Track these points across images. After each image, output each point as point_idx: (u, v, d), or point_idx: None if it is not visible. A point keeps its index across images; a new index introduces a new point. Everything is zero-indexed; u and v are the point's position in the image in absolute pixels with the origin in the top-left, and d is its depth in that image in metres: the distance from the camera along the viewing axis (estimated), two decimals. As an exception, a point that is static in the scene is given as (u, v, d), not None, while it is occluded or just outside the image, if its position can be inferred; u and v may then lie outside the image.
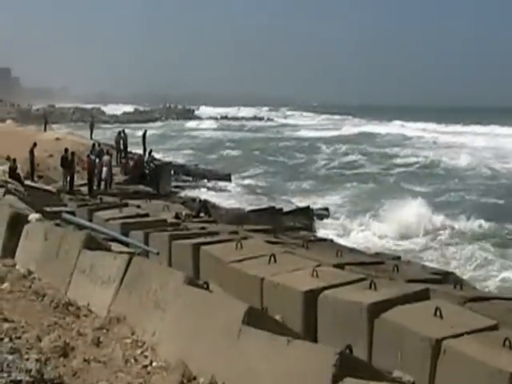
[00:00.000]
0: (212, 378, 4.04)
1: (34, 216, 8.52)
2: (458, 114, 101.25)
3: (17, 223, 8.06)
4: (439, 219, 22.84)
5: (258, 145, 54.91)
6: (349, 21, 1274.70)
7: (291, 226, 19.78)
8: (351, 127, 77.00)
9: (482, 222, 22.77)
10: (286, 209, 23.58)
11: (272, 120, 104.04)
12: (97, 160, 23.59)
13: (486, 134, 63.31)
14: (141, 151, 31.82)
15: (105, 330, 5.06)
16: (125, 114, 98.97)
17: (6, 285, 6.25)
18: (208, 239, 10.99)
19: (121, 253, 6.88)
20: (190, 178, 31.98)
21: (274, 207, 23.35)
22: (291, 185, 34.20)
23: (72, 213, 14.05)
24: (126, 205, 17.07)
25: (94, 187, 22.71)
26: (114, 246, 8.95)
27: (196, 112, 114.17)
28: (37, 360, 3.95)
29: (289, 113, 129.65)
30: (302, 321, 7.45)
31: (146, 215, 14.96)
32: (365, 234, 21.89)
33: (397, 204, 23.77)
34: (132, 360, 4.45)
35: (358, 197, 29.75)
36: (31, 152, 23.15)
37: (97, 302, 5.78)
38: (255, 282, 8.23)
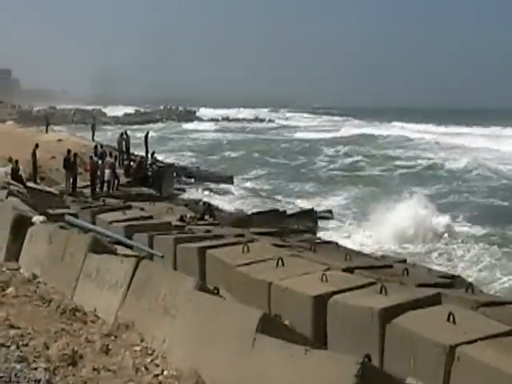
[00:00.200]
0: (227, 389, 3.92)
1: (38, 218, 8.38)
2: (458, 116, 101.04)
3: (21, 226, 7.92)
4: (443, 221, 22.68)
5: (259, 146, 54.79)
6: (349, 21, 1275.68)
7: (295, 229, 19.66)
8: (352, 128, 76.65)
9: (487, 223, 22.66)
10: (290, 211, 23.50)
11: (273, 121, 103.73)
12: (99, 162, 23.52)
13: (487, 135, 63.19)
14: (143, 153, 31.61)
15: (113, 337, 4.95)
16: (126, 115, 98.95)
17: (10, 289, 6.13)
18: (214, 242, 10.82)
19: (126, 256, 6.74)
20: (192, 180, 31.86)
21: (277, 209, 23.26)
22: (294, 187, 34.11)
23: (75, 215, 13.90)
24: (130, 207, 16.95)
25: (97, 189, 22.62)
26: (118, 249, 8.81)
27: (197, 113, 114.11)
28: (45, 369, 3.84)
29: (289, 114, 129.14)
30: (312, 326, 7.29)
31: (150, 218, 14.81)
32: (368, 237, 21.77)
33: (398, 206, 23.64)
34: (142, 368, 4.33)
35: (361, 199, 29.63)
36: (33, 154, 23.06)
37: (104, 308, 5.65)
38: (263, 286, 8.07)
